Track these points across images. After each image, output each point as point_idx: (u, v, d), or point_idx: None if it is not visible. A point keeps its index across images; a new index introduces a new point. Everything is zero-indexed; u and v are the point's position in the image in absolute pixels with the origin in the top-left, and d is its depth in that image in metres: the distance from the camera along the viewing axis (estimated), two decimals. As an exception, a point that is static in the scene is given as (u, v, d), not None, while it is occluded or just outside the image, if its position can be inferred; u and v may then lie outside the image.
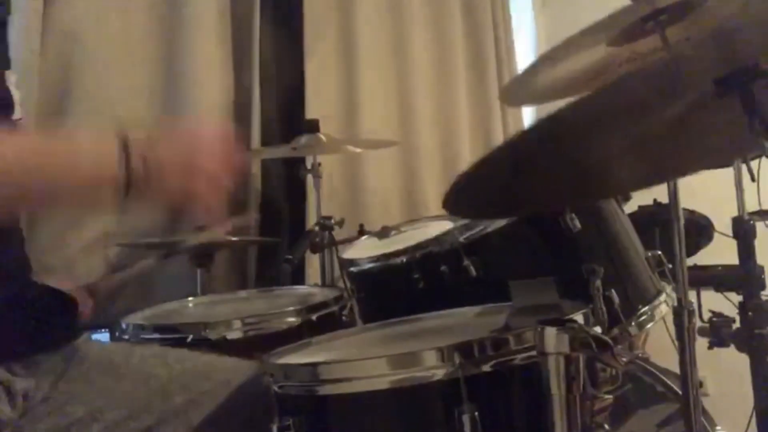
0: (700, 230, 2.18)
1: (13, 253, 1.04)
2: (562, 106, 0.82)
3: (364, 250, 1.73)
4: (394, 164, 2.69)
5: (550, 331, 0.84)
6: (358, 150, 2.35)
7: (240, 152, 0.95)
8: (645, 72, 0.84)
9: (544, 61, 1.27)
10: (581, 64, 1.29)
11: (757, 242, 1.75)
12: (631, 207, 1.89)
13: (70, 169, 0.83)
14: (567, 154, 0.98)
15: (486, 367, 0.91)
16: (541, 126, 0.87)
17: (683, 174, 1.27)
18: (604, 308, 1.30)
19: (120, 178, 0.83)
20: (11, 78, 1.00)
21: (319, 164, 2.16)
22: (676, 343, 1.38)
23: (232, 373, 1.16)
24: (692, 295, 1.47)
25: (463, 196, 1.02)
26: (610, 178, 1.16)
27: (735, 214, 1.78)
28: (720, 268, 2.06)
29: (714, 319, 1.87)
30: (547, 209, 1.35)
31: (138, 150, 0.84)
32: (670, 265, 1.48)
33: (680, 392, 1.40)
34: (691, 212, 2.14)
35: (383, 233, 1.77)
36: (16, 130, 0.89)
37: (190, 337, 1.42)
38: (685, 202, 1.44)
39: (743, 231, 1.74)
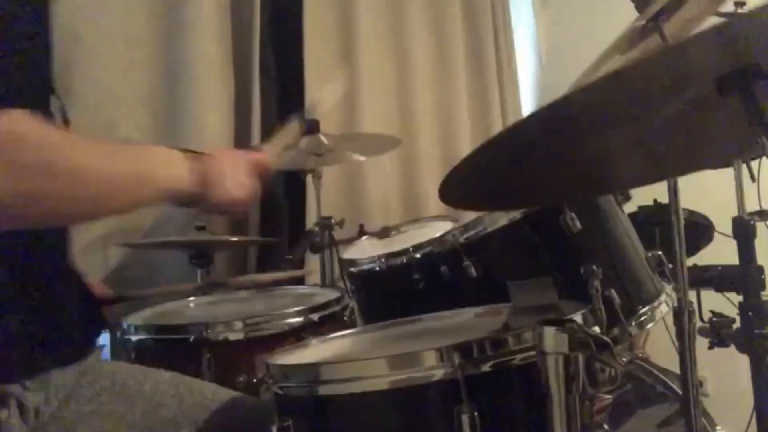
0: (700, 230, 2.18)
1: (54, 262, 1.04)
2: (562, 96, 0.82)
3: (364, 250, 1.73)
4: (394, 164, 2.69)
5: (549, 331, 0.84)
6: (362, 158, 2.34)
7: (266, 168, 1.11)
8: (646, 65, 0.83)
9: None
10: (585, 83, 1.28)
11: (757, 242, 1.75)
12: (631, 207, 1.89)
13: (149, 179, 0.94)
14: (566, 146, 0.98)
15: (485, 367, 0.91)
16: (540, 115, 0.86)
17: (683, 173, 1.27)
18: (603, 308, 1.29)
19: (188, 190, 0.97)
20: (56, 103, 1.02)
21: (319, 164, 2.16)
22: (676, 343, 1.37)
23: (239, 407, 1.17)
24: (692, 295, 1.47)
25: (460, 186, 1.02)
26: (610, 173, 1.15)
27: (735, 214, 1.78)
28: (720, 268, 2.06)
29: (714, 319, 1.86)
30: (546, 203, 1.35)
31: (203, 168, 0.99)
32: (670, 265, 1.48)
33: (680, 392, 1.40)
34: (691, 212, 2.14)
35: (383, 233, 1.78)
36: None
37: (192, 337, 1.42)
38: (685, 202, 1.44)
39: (743, 231, 1.74)
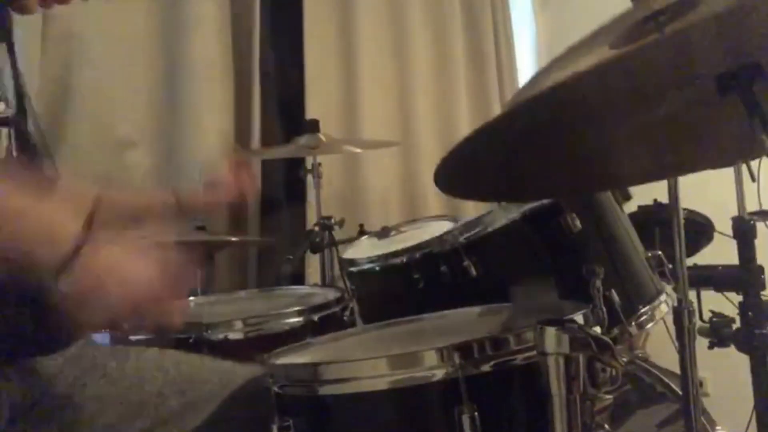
0: (700, 230, 2.18)
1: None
2: (562, 79, 0.81)
3: (364, 250, 1.73)
4: (394, 164, 2.70)
5: (550, 331, 0.84)
6: (358, 150, 2.36)
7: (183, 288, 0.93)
8: (645, 52, 0.82)
9: (547, 70, 1.25)
10: (585, 67, 1.27)
11: (757, 242, 1.75)
12: (631, 207, 1.89)
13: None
14: (565, 137, 0.96)
15: (486, 367, 0.91)
16: (539, 99, 0.85)
17: (684, 172, 1.27)
18: (604, 308, 1.29)
19: (55, 272, 0.79)
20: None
21: (319, 164, 2.16)
22: (676, 343, 1.37)
23: (229, 376, 1.15)
24: (692, 295, 1.47)
25: (455, 173, 0.99)
26: (610, 169, 1.14)
27: (735, 214, 1.78)
28: (720, 268, 2.05)
29: (714, 319, 1.87)
30: (543, 198, 1.33)
31: (88, 258, 0.79)
32: (670, 265, 1.48)
33: (680, 392, 1.40)
34: (691, 212, 2.14)
35: (383, 233, 1.77)
36: None
37: (192, 337, 1.42)
38: (685, 202, 1.44)
39: (743, 231, 1.74)
